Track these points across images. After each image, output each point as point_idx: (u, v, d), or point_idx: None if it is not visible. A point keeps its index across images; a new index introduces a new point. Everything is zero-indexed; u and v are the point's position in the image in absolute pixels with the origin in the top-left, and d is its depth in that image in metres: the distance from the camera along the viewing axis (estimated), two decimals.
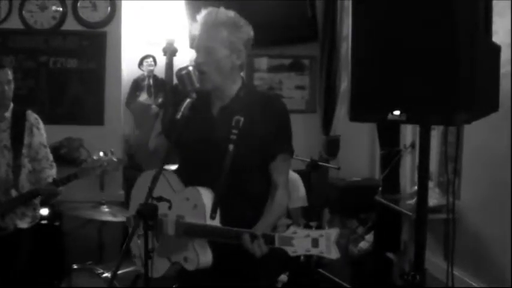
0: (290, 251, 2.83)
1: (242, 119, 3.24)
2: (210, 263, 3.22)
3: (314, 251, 2.78)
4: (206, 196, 3.22)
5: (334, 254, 2.79)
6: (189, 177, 3.38)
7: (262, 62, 7.29)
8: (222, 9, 3.31)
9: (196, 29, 3.29)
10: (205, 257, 3.21)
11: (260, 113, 3.30)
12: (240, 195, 3.29)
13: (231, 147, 3.22)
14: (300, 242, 2.82)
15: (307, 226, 2.83)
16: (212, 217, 3.18)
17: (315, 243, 2.79)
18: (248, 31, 3.34)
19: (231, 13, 3.31)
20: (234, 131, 3.23)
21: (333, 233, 2.81)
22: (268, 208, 3.27)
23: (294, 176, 5.74)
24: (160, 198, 3.36)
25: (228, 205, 3.23)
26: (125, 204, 6.00)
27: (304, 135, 6.92)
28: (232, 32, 3.26)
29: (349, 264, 5.88)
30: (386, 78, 3.21)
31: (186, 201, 3.26)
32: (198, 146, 3.35)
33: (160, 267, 3.38)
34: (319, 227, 2.82)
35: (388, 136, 5.91)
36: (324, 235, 2.79)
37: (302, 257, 2.83)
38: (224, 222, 3.19)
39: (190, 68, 3.22)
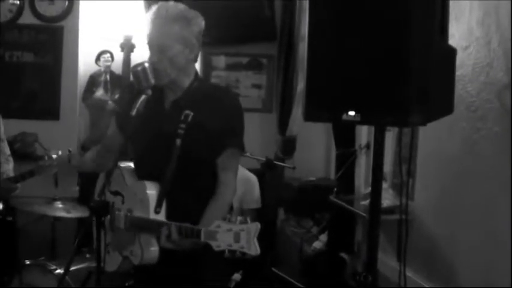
0: (214, 245, 2.76)
1: (191, 113, 3.24)
2: (155, 258, 3.22)
3: (235, 246, 2.70)
4: (151, 190, 3.23)
5: (253, 249, 2.69)
6: (141, 171, 3.40)
7: (220, 60, 7.28)
8: (171, 4, 3.30)
9: (148, 26, 3.28)
10: (149, 252, 3.22)
11: (210, 106, 3.31)
12: (187, 190, 3.30)
13: (178, 141, 3.22)
14: (223, 236, 2.73)
15: (232, 220, 2.77)
16: (156, 211, 3.18)
17: (237, 237, 2.70)
18: (199, 23, 3.33)
19: (181, 6, 3.30)
20: (182, 126, 3.23)
21: (253, 227, 2.70)
22: (211, 206, 3.27)
23: (251, 177, 5.74)
24: (115, 193, 3.42)
25: (174, 200, 3.24)
26: (79, 200, 5.97)
27: (261, 134, 6.93)
28: (184, 26, 3.25)
29: (303, 263, 5.90)
30: (341, 79, 3.21)
31: (135, 195, 3.29)
32: (149, 140, 3.36)
33: (113, 261, 3.40)
34: (245, 221, 2.74)
35: (344, 136, 5.93)
36: (245, 230, 2.70)
37: (227, 252, 2.74)
38: (170, 216, 3.20)
39: (146, 65, 3.22)
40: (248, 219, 2.75)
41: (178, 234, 2.97)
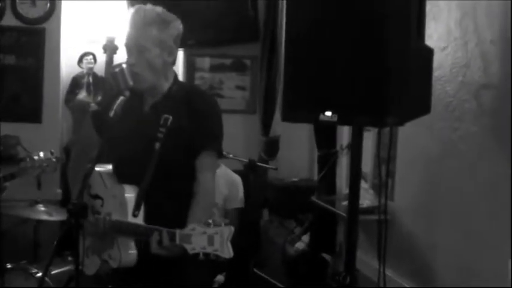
0: (189, 248, 2.77)
1: (171, 117, 3.24)
2: (134, 262, 3.22)
3: (209, 249, 2.72)
4: (130, 193, 3.22)
5: (227, 252, 2.72)
6: (120, 174, 3.39)
7: (204, 62, 7.26)
8: (149, 6, 3.30)
9: (126, 28, 3.29)
10: (127, 255, 3.21)
11: (189, 110, 3.31)
12: (165, 194, 3.30)
13: (157, 145, 3.22)
14: (198, 239, 2.75)
15: (206, 223, 2.78)
16: (134, 215, 3.17)
17: (211, 240, 2.72)
18: (177, 26, 3.35)
19: (159, 9, 3.30)
20: (162, 130, 3.23)
21: (226, 230, 2.73)
22: (194, 209, 3.25)
23: (235, 178, 5.76)
24: (95, 196, 3.39)
25: (153, 203, 3.23)
26: (61, 203, 5.96)
27: (244, 135, 6.93)
28: (162, 29, 3.26)
29: (286, 264, 5.90)
30: (318, 79, 3.23)
31: (114, 199, 3.28)
32: (127, 143, 3.34)
33: (92, 264, 3.39)
34: (219, 224, 2.76)
35: (325, 137, 5.93)
36: (218, 233, 2.73)
37: (201, 255, 2.76)
38: (148, 220, 3.19)
39: (124, 66, 3.21)
40: (222, 223, 2.76)
41: (170, 240, 2.95)
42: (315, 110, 3.23)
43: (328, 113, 3.20)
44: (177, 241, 2.84)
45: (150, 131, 3.26)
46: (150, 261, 3.18)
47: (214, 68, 7.27)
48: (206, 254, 2.74)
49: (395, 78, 3.09)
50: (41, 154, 4.63)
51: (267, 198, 6.55)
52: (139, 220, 3.19)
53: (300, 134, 6.85)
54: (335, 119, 3.21)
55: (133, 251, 3.21)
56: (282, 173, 6.30)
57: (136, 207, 3.20)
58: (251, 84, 7.28)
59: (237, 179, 5.76)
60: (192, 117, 3.28)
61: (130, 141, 3.34)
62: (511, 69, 3.48)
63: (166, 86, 3.38)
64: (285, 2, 3.44)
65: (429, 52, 3.54)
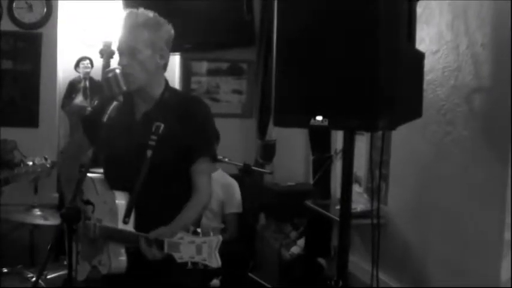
0: (177, 257, 2.79)
1: (162, 125, 3.24)
2: (124, 268, 3.20)
3: (198, 258, 2.75)
4: (121, 200, 3.22)
5: (215, 262, 2.75)
6: (112, 180, 3.38)
7: (201, 66, 7.28)
8: (141, 10, 3.31)
9: (119, 31, 3.30)
10: (117, 261, 3.20)
11: (181, 117, 3.30)
12: (157, 201, 3.28)
13: (149, 153, 3.22)
14: (186, 248, 2.77)
15: (195, 232, 2.80)
16: (125, 221, 3.17)
17: (199, 250, 2.75)
18: (168, 30, 3.35)
19: (151, 13, 3.31)
20: (153, 137, 3.23)
21: (215, 240, 2.76)
22: (185, 209, 3.26)
23: (232, 182, 5.76)
24: (87, 202, 3.38)
25: (144, 210, 3.22)
26: (58, 207, 5.96)
27: (241, 139, 6.94)
28: (153, 31, 3.26)
29: (281, 268, 5.90)
30: (309, 84, 3.23)
31: (104, 205, 3.27)
32: (119, 150, 3.34)
33: (83, 270, 3.39)
34: (207, 234, 2.78)
35: (320, 141, 5.94)
36: (207, 242, 2.75)
37: (189, 264, 2.78)
38: (139, 227, 3.18)
39: (118, 71, 3.20)
40: (211, 232, 2.78)
41: (158, 249, 2.94)
42: (306, 114, 3.23)
43: (319, 118, 3.20)
44: (165, 250, 2.85)
45: (141, 139, 3.26)
46: (141, 268, 3.18)
47: (210, 72, 7.28)
48: (194, 263, 2.76)
49: (386, 83, 3.08)
50: (35, 160, 4.63)
51: (263, 202, 6.55)
52: (130, 227, 3.20)
53: (296, 138, 6.87)
54: (326, 123, 3.21)
55: (123, 258, 3.20)
56: (278, 177, 6.31)
57: (127, 214, 3.20)
58: (248, 88, 7.30)
59: (233, 183, 5.77)
60: (186, 124, 3.28)
61: (122, 148, 3.34)
62: (511, 73, 3.49)
63: (158, 91, 3.37)
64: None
65: (420, 56, 3.55)
